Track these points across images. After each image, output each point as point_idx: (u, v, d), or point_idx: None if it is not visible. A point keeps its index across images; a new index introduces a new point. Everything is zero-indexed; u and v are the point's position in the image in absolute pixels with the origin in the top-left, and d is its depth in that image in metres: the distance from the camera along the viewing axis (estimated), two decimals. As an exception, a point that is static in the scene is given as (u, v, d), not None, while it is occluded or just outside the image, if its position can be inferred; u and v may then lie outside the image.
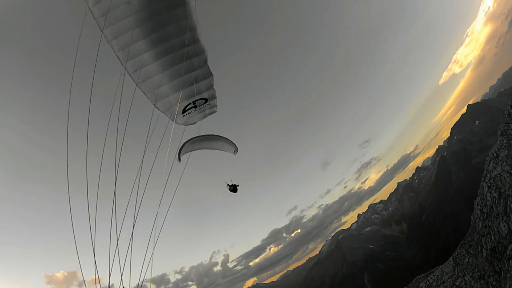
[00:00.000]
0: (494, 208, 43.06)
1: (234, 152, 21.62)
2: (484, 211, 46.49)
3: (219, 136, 20.37)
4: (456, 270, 46.73)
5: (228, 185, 21.00)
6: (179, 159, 18.12)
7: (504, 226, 37.87)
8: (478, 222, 47.61)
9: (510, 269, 32.12)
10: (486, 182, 47.55)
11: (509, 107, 42.08)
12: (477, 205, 49.87)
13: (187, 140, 18.87)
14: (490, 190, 45.63)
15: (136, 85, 12.13)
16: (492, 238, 40.34)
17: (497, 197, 42.93)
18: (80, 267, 10.00)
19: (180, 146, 18.45)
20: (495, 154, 48.07)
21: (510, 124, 42.45)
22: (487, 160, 51.11)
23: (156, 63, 12.10)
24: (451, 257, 51.99)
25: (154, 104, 13.16)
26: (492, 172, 47.03)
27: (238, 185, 21.05)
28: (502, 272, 33.49)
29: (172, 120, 13.98)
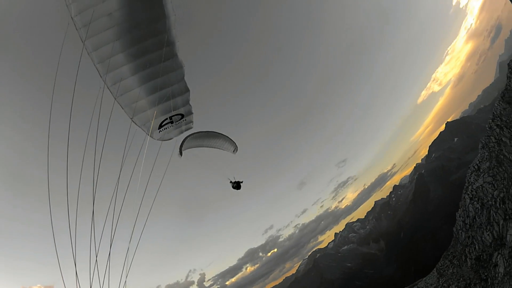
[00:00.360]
0: (477, 219, 44.00)
1: (234, 151, 20.94)
2: (466, 222, 47.44)
3: (219, 133, 19.82)
4: (440, 281, 46.99)
5: (231, 181, 20.02)
6: (181, 154, 17.44)
7: (488, 235, 38.58)
8: (461, 233, 48.46)
9: (497, 275, 32.48)
10: (468, 194, 48.79)
11: (490, 121, 43.76)
12: (459, 216, 50.94)
13: (188, 134, 18.23)
14: (472, 201, 46.76)
15: (115, 98, 11.97)
16: (476, 247, 40.97)
17: (479, 207, 43.96)
18: (63, 280, 9.75)
19: (182, 140, 17.80)
20: (476, 167, 49.59)
21: (491, 137, 44.03)
22: (468, 173, 52.68)
23: (134, 77, 12.00)
24: (435, 269, 52.43)
25: (131, 118, 12.94)
26: (474, 184, 48.38)
27: (242, 182, 20.01)
28: (489, 279, 33.82)
29: (148, 134, 13.79)
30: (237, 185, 20.10)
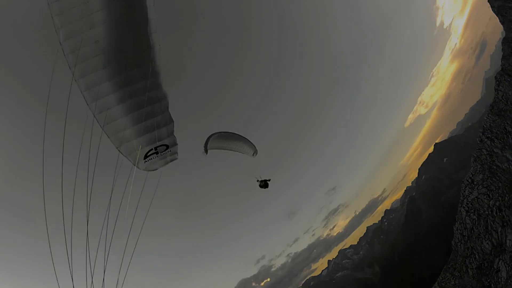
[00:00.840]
0: (474, 230, 45.22)
1: (253, 154, 21.12)
2: (464, 234, 48.55)
3: (240, 135, 20.32)
4: (443, 293, 47.27)
5: (257, 180, 20.13)
6: (206, 152, 17.88)
7: (488, 243, 39.67)
8: (460, 245, 49.41)
9: (500, 280, 33.32)
10: (464, 207, 50.24)
11: (481, 134, 46.10)
12: (457, 230, 52.05)
13: (213, 133, 18.91)
14: (468, 213, 48.16)
15: (101, 128, 12.06)
16: (477, 257, 41.88)
17: (476, 218, 45.31)
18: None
19: (207, 138, 18.43)
20: (470, 180, 51.37)
21: (482, 150, 46.25)
22: (462, 187, 54.34)
23: (120, 106, 12.16)
24: (436, 283, 52.65)
25: (117, 148, 13.10)
26: (469, 196, 49.96)
27: (269, 180, 20.04)
28: (492, 284, 34.59)
29: (134, 165, 14.00)
30: (264, 184, 20.15)
